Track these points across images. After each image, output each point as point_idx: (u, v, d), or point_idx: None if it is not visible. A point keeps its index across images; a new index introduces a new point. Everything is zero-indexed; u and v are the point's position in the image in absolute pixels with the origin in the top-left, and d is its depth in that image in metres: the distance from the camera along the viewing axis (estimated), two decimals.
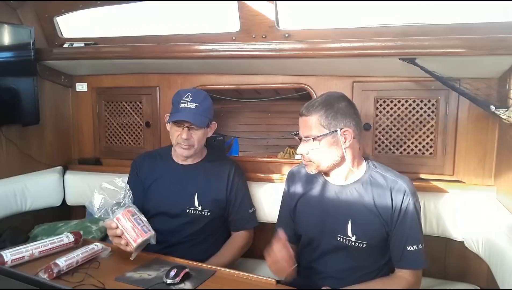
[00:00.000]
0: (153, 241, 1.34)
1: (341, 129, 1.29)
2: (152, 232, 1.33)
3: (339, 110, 1.30)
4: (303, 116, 1.33)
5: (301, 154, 1.36)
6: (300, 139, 1.36)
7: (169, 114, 1.62)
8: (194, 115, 1.55)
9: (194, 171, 1.67)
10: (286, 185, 1.54)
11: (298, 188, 1.47)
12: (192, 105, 1.56)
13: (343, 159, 1.32)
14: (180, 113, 1.55)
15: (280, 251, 1.19)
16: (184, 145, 1.58)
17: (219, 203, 1.66)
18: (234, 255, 1.64)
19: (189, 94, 1.58)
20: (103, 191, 1.31)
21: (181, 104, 1.56)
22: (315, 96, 1.79)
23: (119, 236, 1.29)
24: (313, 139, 1.30)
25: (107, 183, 1.33)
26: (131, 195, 1.36)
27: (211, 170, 1.68)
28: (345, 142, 1.29)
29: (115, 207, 1.31)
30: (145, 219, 1.35)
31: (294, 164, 1.72)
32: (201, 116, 1.57)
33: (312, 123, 1.30)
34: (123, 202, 1.33)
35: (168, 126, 1.63)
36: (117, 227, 1.29)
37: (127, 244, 1.29)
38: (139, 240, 1.28)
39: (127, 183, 1.73)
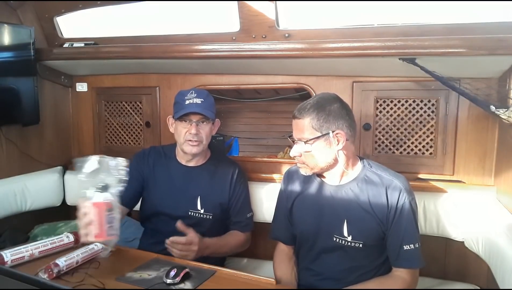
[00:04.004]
0: (109, 247, 1.25)
1: (333, 131, 1.27)
2: (114, 238, 1.20)
3: (331, 112, 1.28)
4: (296, 118, 1.32)
5: (294, 156, 1.36)
6: (294, 141, 1.35)
7: (171, 116, 1.62)
8: (203, 109, 1.57)
9: (198, 173, 1.67)
10: (282, 185, 1.53)
11: (294, 188, 1.47)
12: (198, 100, 1.57)
13: (336, 161, 1.32)
14: (188, 108, 1.56)
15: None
16: (193, 141, 1.57)
17: (222, 206, 1.66)
18: (227, 244, 1.62)
19: (192, 92, 1.60)
20: (101, 162, 1.17)
21: (187, 101, 1.57)
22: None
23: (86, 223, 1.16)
24: (305, 142, 1.30)
25: (113, 158, 1.19)
26: (122, 187, 1.21)
27: (214, 173, 1.67)
28: (337, 144, 1.29)
29: (100, 186, 1.17)
30: (118, 218, 1.22)
31: (294, 164, 1.72)
32: (208, 110, 1.58)
33: (304, 126, 1.29)
34: (110, 185, 1.18)
35: (172, 127, 1.63)
36: (89, 214, 1.16)
37: (86, 234, 1.16)
38: (99, 240, 1.18)
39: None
